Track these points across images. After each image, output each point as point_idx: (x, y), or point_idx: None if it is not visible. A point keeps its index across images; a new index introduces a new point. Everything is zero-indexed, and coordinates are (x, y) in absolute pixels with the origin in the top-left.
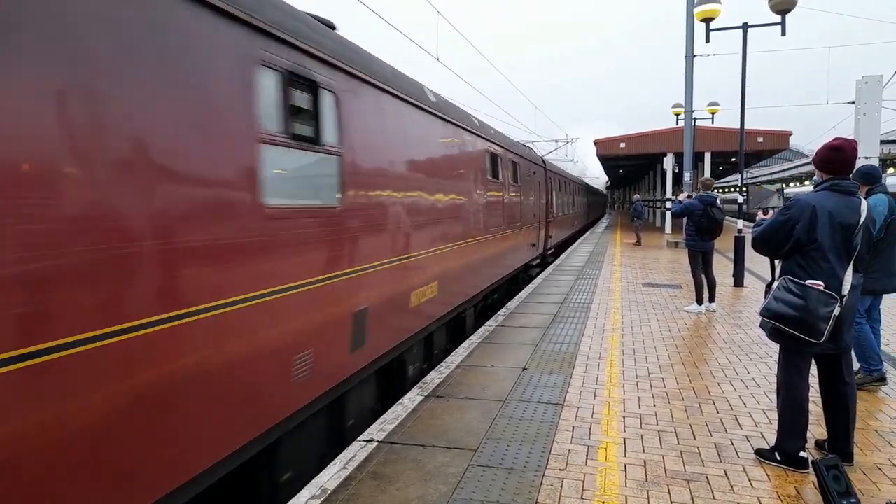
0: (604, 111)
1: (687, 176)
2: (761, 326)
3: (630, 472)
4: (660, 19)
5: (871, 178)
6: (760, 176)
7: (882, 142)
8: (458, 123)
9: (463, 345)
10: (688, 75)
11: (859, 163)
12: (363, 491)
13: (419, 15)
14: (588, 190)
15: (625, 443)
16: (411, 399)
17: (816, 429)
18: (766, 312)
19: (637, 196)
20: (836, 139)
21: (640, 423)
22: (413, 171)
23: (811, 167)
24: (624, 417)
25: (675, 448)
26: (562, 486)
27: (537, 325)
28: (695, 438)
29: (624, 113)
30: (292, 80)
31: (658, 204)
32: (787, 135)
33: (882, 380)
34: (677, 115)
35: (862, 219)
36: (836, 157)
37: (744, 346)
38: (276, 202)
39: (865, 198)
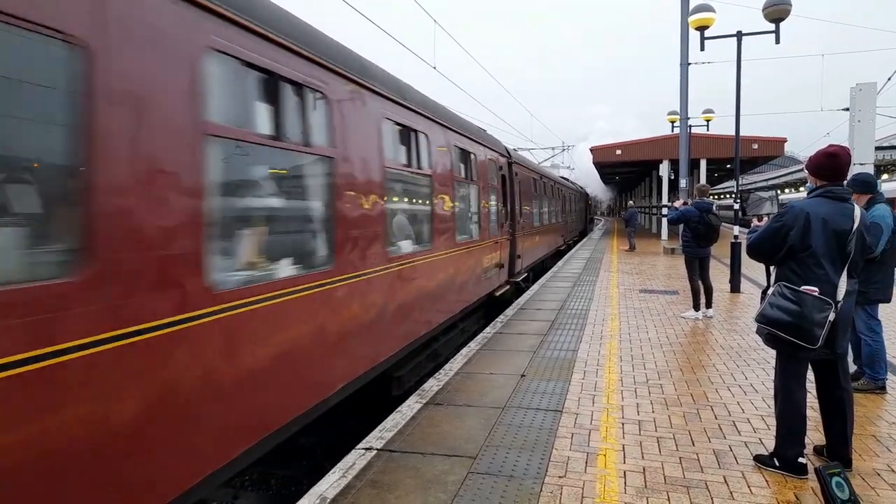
0: (603, 106)
1: (683, 183)
2: (758, 332)
3: (629, 479)
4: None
5: (869, 187)
6: (756, 182)
7: (876, 148)
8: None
9: (461, 352)
10: (683, 83)
11: (854, 169)
12: (362, 500)
13: (417, 24)
14: (586, 197)
15: (624, 449)
16: (410, 406)
17: (815, 434)
18: (762, 318)
19: (631, 203)
20: (830, 146)
21: (639, 430)
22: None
23: (805, 173)
24: (623, 424)
25: (674, 454)
26: (561, 494)
27: (535, 332)
28: (694, 445)
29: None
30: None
31: (654, 210)
32: (782, 141)
33: (883, 388)
34: (672, 122)
35: (855, 225)
36: (830, 164)
37: (741, 351)
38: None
39: (867, 208)
